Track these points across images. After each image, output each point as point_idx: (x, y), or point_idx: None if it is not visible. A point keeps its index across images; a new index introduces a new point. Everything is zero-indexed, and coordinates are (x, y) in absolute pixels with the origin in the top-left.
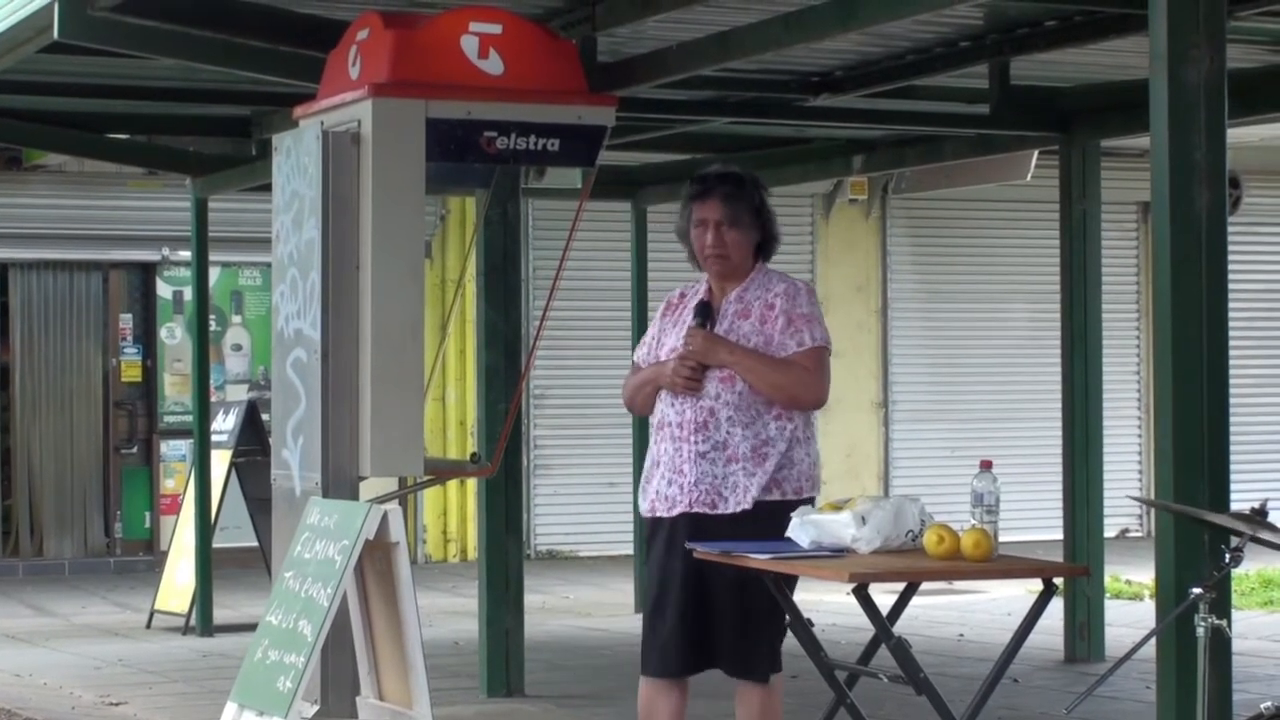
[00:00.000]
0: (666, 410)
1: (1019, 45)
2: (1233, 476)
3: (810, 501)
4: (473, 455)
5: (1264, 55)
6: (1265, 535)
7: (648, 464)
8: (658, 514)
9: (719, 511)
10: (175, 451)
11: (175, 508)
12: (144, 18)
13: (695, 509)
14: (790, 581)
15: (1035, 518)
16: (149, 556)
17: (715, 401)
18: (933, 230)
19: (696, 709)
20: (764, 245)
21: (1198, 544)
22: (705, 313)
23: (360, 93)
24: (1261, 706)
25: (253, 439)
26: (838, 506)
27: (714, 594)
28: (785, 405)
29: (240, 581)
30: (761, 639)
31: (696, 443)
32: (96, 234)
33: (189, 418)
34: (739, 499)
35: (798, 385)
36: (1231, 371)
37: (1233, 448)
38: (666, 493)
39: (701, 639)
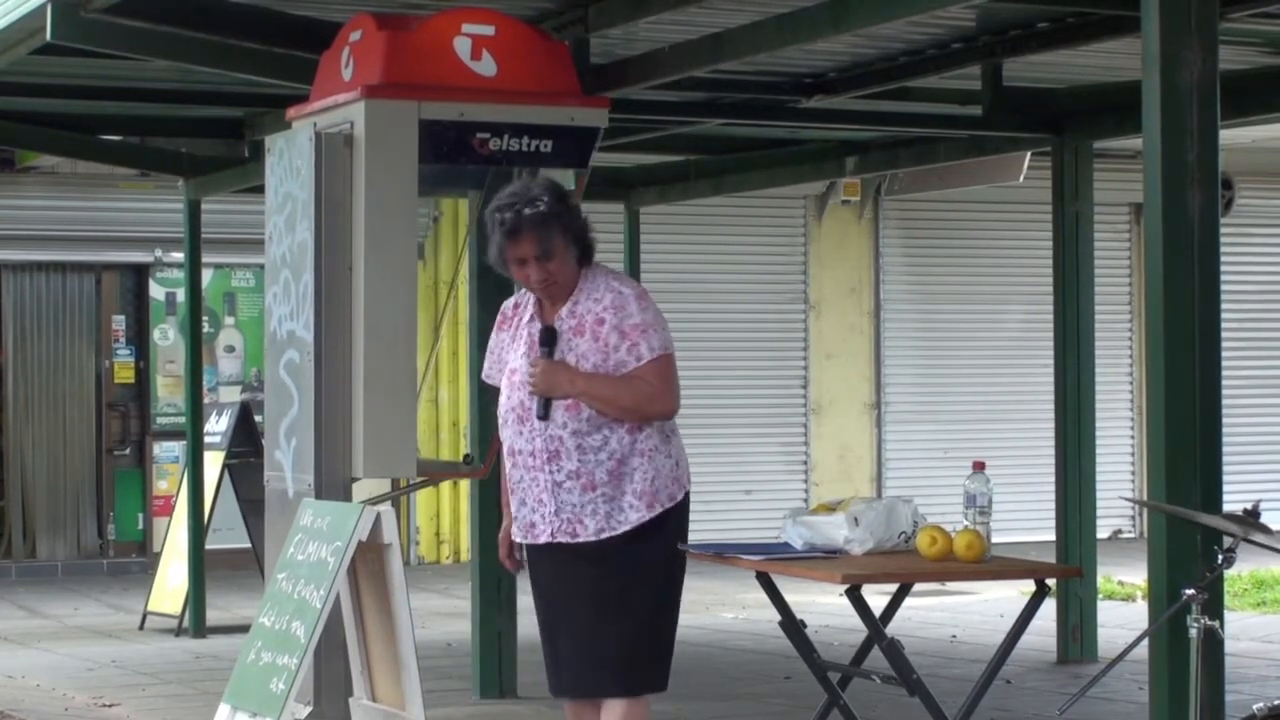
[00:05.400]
0: (515, 438)
1: (1012, 47)
2: (1225, 478)
3: (684, 501)
4: (465, 456)
5: (1256, 57)
6: (1257, 537)
7: (508, 488)
8: (528, 541)
9: (580, 540)
10: (168, 453)
11: (168, 509)
12: (137, 19)
13: (558, 538)
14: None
15: (1028, 519)
16: (142, 558)
17: (563, 430)
18: (925, 232)
19: (689, 711)
20: (584, 253)
21: (1190, 545)
22: (550, 340)
23: (353, 94)
24: (1254, 708)
25: (245, 440)
26: (830, 508)
27: (582, 615)
28: (636, 423)
29: (233, 583)
30: (652, 652)
31: (551, 472)
32: (89, 236)
33: (182, 419)
34: (600, 525)
35: (646, 403)
36: (1224, 372)
37: (1225, 449)
38: (531, 519)
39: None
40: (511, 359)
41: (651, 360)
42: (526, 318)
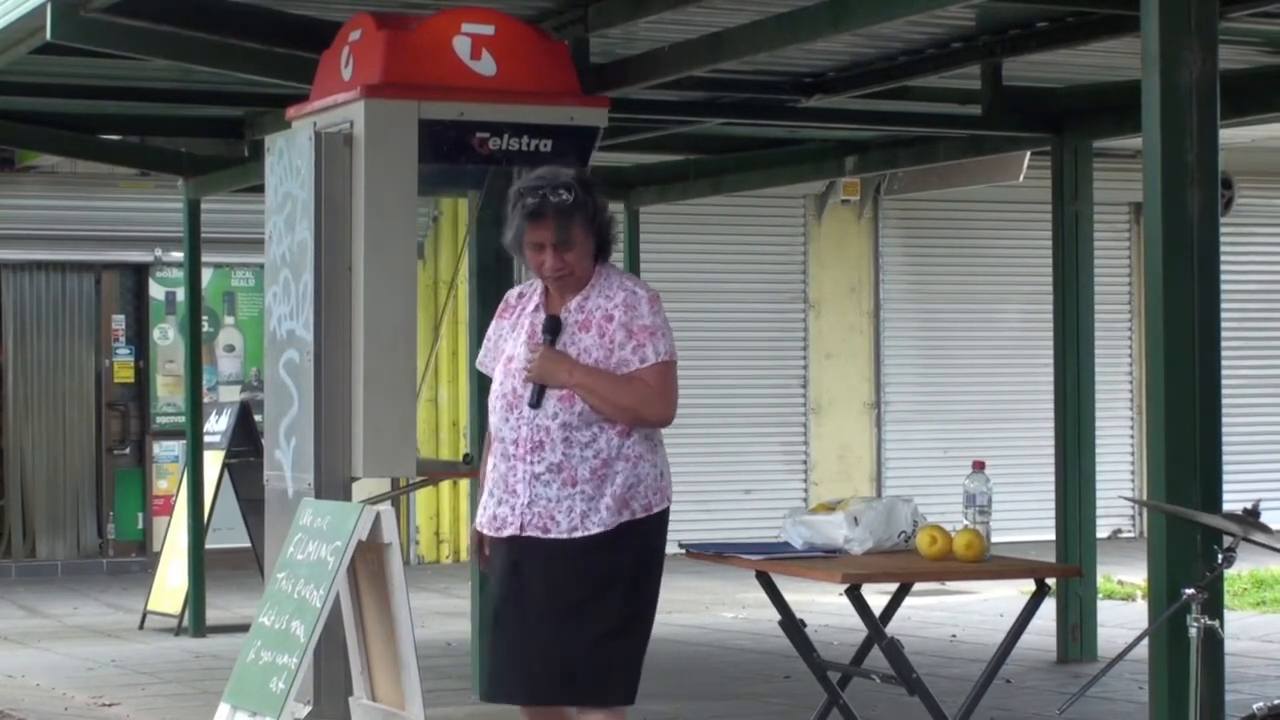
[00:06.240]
0: (500, 425)
1: (1011, 46)
2: (1225, 477)
3: (664, 514)
4: (465, 456)
5: (1256, 56)
6: (1257, 536)
7: (484, 478)
8: (491, 534)
9: (551, 536)
10: (168, 452)
11: (168, 509)
12: (137, 19)
13: (527, 532)
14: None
15: (1027, 518)
16: (141, 557)
17: (552, 421)
18: (925, 231)
19: (689, 711)
20: (601, 248)
21: (1190, 545)
22: (554, 329)
23: (353, 94)
24: (1254, 707)
25: (245, 440)
26: (830, 507)
27: (549, 620)
28: (629, 425)
29: (232, 582)
30: (613, 664)
31: (532, 463)
32: (89, 235)
33: (181, 419)
34: (574, 523)
35: (643, 405)
36: (1224, 372)
37: (1225, 448)
38: (496, 512)
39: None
40: (509, 347)
41: (655, 364)
42: (531, 307)
